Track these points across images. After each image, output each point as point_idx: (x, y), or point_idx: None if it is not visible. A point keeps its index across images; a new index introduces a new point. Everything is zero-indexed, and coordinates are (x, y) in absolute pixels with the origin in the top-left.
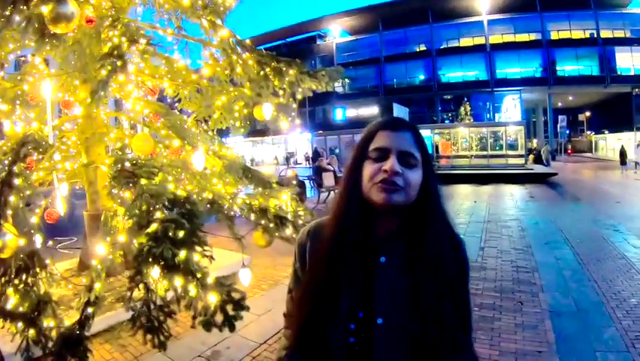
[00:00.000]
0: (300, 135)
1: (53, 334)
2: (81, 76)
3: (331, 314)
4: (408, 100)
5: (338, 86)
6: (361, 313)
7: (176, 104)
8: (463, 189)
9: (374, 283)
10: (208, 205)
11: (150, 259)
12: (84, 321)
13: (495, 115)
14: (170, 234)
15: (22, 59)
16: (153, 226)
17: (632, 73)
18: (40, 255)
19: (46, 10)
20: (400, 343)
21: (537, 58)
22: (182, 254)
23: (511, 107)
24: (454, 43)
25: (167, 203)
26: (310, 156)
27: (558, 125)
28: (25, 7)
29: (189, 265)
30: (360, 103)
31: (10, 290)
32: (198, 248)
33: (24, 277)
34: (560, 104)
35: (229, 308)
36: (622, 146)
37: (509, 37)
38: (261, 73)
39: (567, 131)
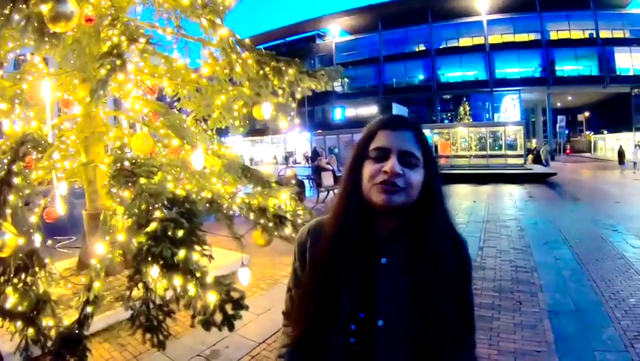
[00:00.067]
0: (299, 135)
1: (52, 333)
2: (80, 75)
3: (331, 315)
4: (407, 100)
5: (337, 86)
6: (362, 314)
7: (176, 104)
8: (462, 189)
9: (375, 284)
10: (207, 204)
11: (149, 258)
12: (83, 320)
13: (494, 115)
14: (170, 233)
15: (22, 57)
16: (152, 225)
17: (631, 73)
18: (39, 254)
19: (45, 8)
20: (402, 344)
21: (536, 58)
22: (182, 253)
23: (510, 107)
24: (453, 43)
25: (166, 202)
26: (309, 155)
27: (557, 126)
28: (24, 6)
29: (188, 264)
30: (359, 103)
31: (9, 289)
32: (197, 247)
33: (23, 276)
34: (559, 104)
35: (228, 307)
36: (620, 146)
37: (508, 37)
38: (261, 72)
39: (566, 132)
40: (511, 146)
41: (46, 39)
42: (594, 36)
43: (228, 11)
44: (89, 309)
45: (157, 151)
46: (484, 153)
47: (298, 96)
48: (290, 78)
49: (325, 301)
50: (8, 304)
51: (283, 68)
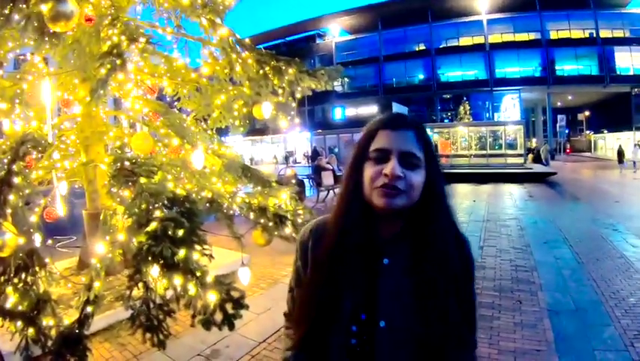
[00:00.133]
0: (299, 134)
1: (53, 333)
2: (80, 74)
3: (333, 316)
4: (407, 99)
5: (337, 85)
6: (363, 315)
7: (176, 103)
8: (462, 188)
9: (377, 286)
10: (207, 204)
11: (149, 258)
12: (83, 320)
13: (494, 114)
14: (170, 232)
15: (22, 57)
16: (152, 225)
17: (631, 73)
18: (39, 254)
19: (45, 8)
20: (404, 344)
21: (536, 57)
22: (182, 253)
23: (510, 106)
24: (453, 43)
25: (166, 202)
26: (309, 155)
27: (557, 125)
28: (24, 6)
29: (189, 263)
30: (359, 102)
31: (9, 289)
32: (198, 247)
33: (23, 275)
34: (559, 103)
35: (228, 307)
36: (619, 145)
37: (509, 37)
38: (261, 72)
39: (566, 131)
40: (511, 145)
41: (46, 39)
42: (594, 35)
43: (228, 11)
44: (89, 309)
45: (157, 151)
46: (484, 152)
47: (298, 96)
48: (290, 78)
49: (326, 302)
50: (8, 304)
51: (283, 68)
